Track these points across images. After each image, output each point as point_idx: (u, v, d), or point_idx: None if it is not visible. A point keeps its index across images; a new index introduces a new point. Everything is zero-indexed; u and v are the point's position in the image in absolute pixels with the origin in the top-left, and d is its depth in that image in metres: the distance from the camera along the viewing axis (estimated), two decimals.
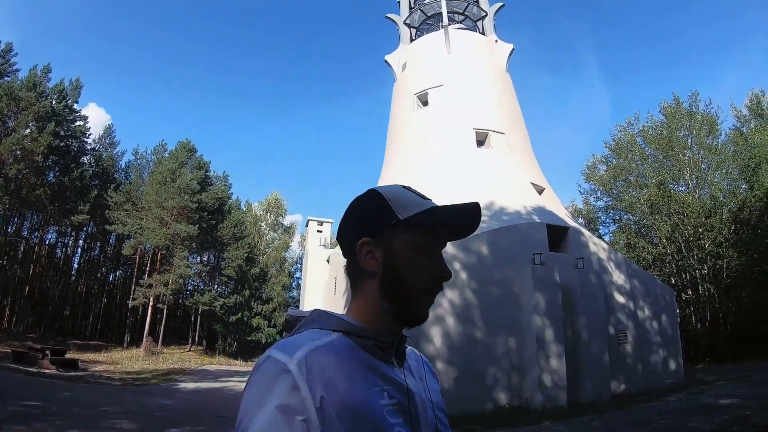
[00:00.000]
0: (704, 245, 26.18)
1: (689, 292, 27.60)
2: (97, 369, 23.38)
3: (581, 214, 36.73)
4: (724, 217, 25.15)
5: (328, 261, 24.53)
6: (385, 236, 1.06)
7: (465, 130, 18.91)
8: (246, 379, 0.97)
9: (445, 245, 1.12)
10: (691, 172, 28.36)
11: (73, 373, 19.96)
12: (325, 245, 22.71)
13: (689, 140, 29.15)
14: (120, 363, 27.50)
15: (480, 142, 18.86)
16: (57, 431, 9.41)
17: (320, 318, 1.06)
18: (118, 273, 47.25)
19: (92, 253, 46.35)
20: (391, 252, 1.06)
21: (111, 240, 42.41)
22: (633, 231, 30.89)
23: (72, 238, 44.05)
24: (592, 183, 34.00)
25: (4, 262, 35.46)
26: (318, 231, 23.82)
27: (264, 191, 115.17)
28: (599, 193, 34.02)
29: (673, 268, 28.06)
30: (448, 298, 13.68)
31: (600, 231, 34.68)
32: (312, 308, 1.12)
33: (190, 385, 20.84)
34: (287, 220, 52.21)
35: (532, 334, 13.48)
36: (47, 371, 19.17)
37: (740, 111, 32.91)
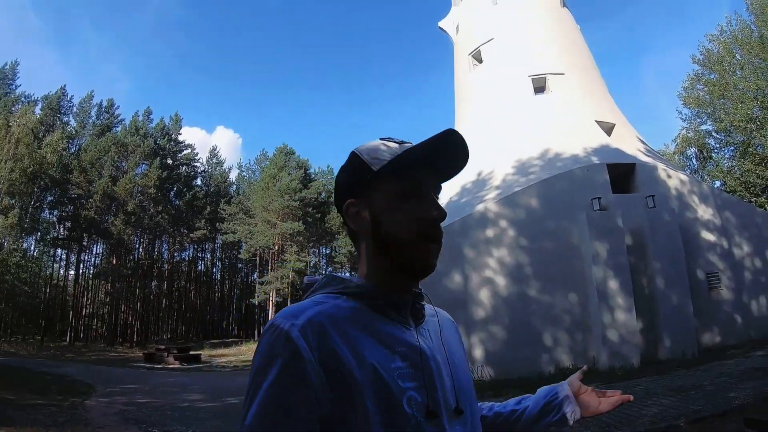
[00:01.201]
0: None
1: None
2: (220, 361, 26.10)
3: (692, 142, 33.16)
4: None
5: None
6: (365, 193, 1.04)
7: (521, 79, 17.83)
8: None
9: (436, 186, 1.07)
10: None
11: (194, 366, 22.77)
12: None
13: None
14: (245, 354, 30.33)
15: (539, 89, 17.72)
16: (131, 398, 11.73)
17: (331, 282, 1.03)
18: (242, 275, 52.45)
19: (222, 262, 52.40)
20: (374, 206, 1.02)
21: (241, 247, 46.67)
22: (738, 153, 27.43)
23: (198, 251, 50.52)
24: (689, 107, 30.28)
25: (145, 281, 41.59)
26: None
27: None
28: (704, 117, 30.24)
29: None
30: (495, 257, 12.99)
31: (714, 157, 31.11)
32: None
33: None
34: None
35: (593, 287, 12.39)
36: (170, 366, 22.07)
37: None
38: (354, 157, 1.06)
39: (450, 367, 1.02)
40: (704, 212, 14.83)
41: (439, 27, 23.54)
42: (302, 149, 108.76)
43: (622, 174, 14.66)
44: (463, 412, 0.99)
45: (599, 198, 13.18)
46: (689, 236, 14.09)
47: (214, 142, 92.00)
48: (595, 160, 14.59)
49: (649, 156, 16.22)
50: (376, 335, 0.93)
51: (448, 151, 1.02)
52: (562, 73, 17.78)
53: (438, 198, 1.05)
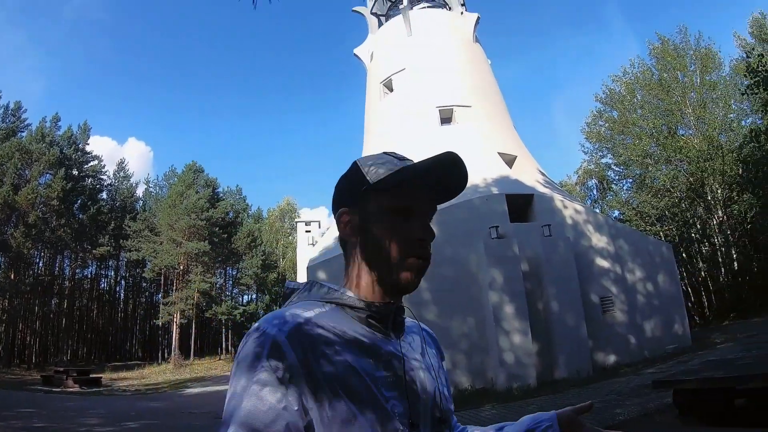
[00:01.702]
0: (710, 191, 24.48)
1: (706, 244, 25.98)
2: (122, 384, 25.50)
3: (593, 174, 34.97)
4: (726, 157, 23.23)
5: None
6: (359, 203, 1.02)
7: (428, 109, 18.33)
8: None
9: (431, 207, 1.06)
10: (690, 114, 26.45)
11: (94, 389, 21.78)
12: (312, 244, 22.45)
13: (685, 80, 27.26)
14: (148, 378, 29.76)
15: (445, 120, 18.24)
16: (28, 422, 11.27)
17: (315, 289, 1.02)
18: (147, 295, 50.73)
19: (126, 281, 50.36)
20: (365, 218, 1.01)
21: (146, 266, 45.14)
22: (635, 186, 29.28)
23: (102, 268, 47.91)
24: (590, 141, 32.19)
25: (45, 299, 38.88)
26: (306, 231, 23.67)
27: (290, 194, 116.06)
28: (604, 151, 32.18)
29: (679, 221, 26.46)
30: None
31: (614, 189, 32.91)
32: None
33: (196, 390, 22.72)
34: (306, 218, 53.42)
35: (489, 311, 12.78)
36: (70, 389, 21.02)
37: (744, 39, 30.45)
38: (354, 166, 1.06)
39: (434, 377, 1.03)
40: (599, 240, 15.57)
41: (355, 54, 23.84)
42: (213, 167, 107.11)
43: (521, 204, 15.23)
44: (444, 422, 1.00)
45: (497, 227, 13.62)
46: (584, 263, 14.77)
47: (125, 154, 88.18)
48: (494, 190, 15.12)
49: (547, 187, 16.93)
50: (360, 344, 0.92)
51: (446, 173, 1.02)
52: (469, 106, 18.39)
53: (431, 219, 1.05)
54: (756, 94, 9.56)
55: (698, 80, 27.24)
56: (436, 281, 13.17)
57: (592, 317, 14.21)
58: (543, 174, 18.53)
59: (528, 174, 17.35)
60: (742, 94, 17.87)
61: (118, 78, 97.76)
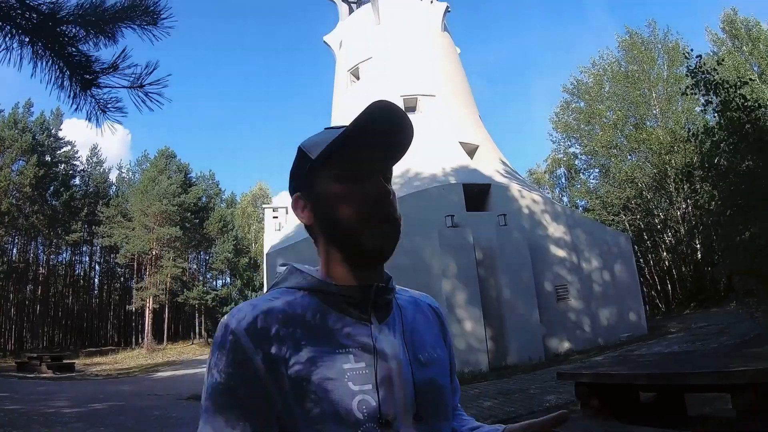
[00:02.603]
0: (672, 183, 24.92)
1: (669, 234, 26.47)
2: (95, 369, 25.63)
3: (561, 163, 35.42)
4: (688, 149, 23.71)
5: None
6: (308, 184, 0.98)
7: (393, 98, 17.97)
8: None
9: (383, 166, 0.96)
10: (656, 107, 26.87)
11: (67, 375, 21.99)
12: (279, 230, 22.54)
13: (652, 73, 27.64)
14: (121, 362, 29.86)
15: (410, 108, 18.27)
16: None
17: (291, 276, 0.97)
18: (122, 281, 50.23)
19: (101, 266, 49.88)
20: (317, 197, 0.96)
21: (119, 251, 45.18)
22: (601, 176, 29.78)
23: (76, 254, 47.51)
24: (558, 131, 32.56)
25: (20, 286, 39.25)
26: (274, 217, 23.62)
27: (264, 178, 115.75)
28: (572, 140, 32.56)
29: (643, 211, 26.94)
30: None
31: (582, 178, 33.39)
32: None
33: (166, 374, 22.94)
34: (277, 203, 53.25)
35: (443, 299, 12.99)
36: (43, 375, 21.13)
37: (716, 34, 31.09)
38: (298, 150, 1.01)
39: (417, 369, 0.94)
40: (556, 230, 15.87)
41: (324, 41, 23.84)
42: (190, 150, 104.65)
43: (479, 193, 15.45)
44: (422, 419, 0.90)
45: (452, 216, 13.85)
46: (540, 252, 15.07)
47: (102, 137, 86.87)
48: (452, 179, 15.32)
49: (507, 177, 17.17)
50: (330, 333, 0.88)
51: (384, 125, 0.93)
52: (433, 95, 18.52)
53: (389, 177, 0.98)
54: (694, 94, 9.75)
55: (666, 73, 27.62)
56: (390, 270, 13.35)
57: (546, 305, 14.55)
58: (505, 163, 18.76)
59: (489, 163, 17.56)
60: (683, 94, 18.16)
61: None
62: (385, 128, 0.93)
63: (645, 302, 28.69)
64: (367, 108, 0.89)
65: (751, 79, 23.12)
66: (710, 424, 4.31)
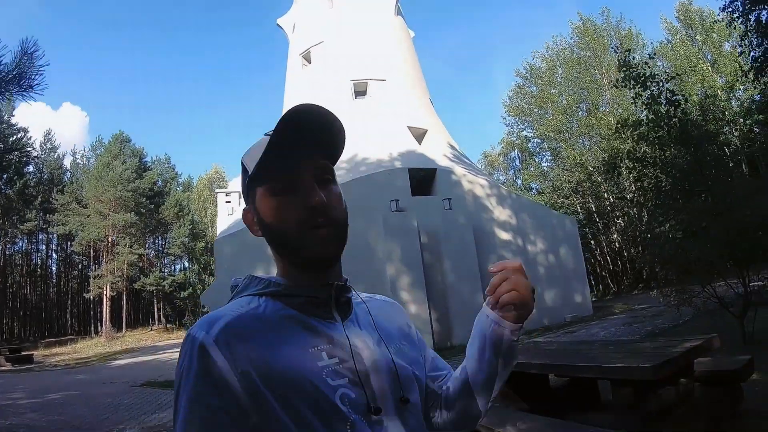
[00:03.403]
0: (623, 167, 25.56)
1: (618, 216, 27.17)
2: (54, 360, 25.22)
3: (515, 146, 35.96)
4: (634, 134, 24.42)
5: None
6: (251, 197, 0.98)
7: (343, 83, 18.45)
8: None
9: (316, 169, 0.94)
10: (607, 93, 27.43)
11: (25, 366, 21.86)
12: (231, 214, 22.51)
13: (604, 60, 28.08)
14: (80, 352, 29.42)
15: (359, 93, 18.43)
16: None
17: (252, 284, 0.98)
18: (79, 269, 49.29)
19: (58, 255, 49.12)
20: (258, 210, 0.96)
21: (76, 239, 44.05)
22: (552, 159, 30.40)
23: (32, 243, 46.60)
24: (510, 115, 33.02)
25: None
26: (226, 202, 23.59)
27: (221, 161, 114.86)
28: (525, 124, 33.13)
29: (593, 194, 27.57)
30: None
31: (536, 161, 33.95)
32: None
33: (123, 362, 22.71)
34: (233, 188, 53.27)
35: (387, 283, 13.19)
36: (2, 368, 20.90)
37: (670, 23, 31.61)
38: (241, 163, 1.01)
39: (389, 354, 0.97)
40: (501, 213, 16.22)
41: (277, 24, 23.66)
42: (146, 135, 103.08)
43: (425, 178, 15.66)
44: (408, 400, 0.94)
45: (397, 200, 14.03)
46: (484, 235, 15.38)
47: (59, 120, 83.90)
48: (398, 164, 15.49)
49: (455, 161, 17.40)
50: (298, 335, 0.89)
51: (304, 130, 0.92)
52: (383, 79, 18.59)
53: (329, 179, 0.96)
54: (625, 87, 10.04)
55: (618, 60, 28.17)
56: None
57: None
58: (453, 148, 18.97)
59: (437, 148, 17.75)
60: (612, 87, 18.60)
61: (50, 39, 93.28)
62: (307, 132, 0.92)
63: (596, 283, 29.51)
64: (284, 115, 0.89)
65: (691, 69, 23.82)
66: (616, 411, 4.47)
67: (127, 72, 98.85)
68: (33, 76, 2.57)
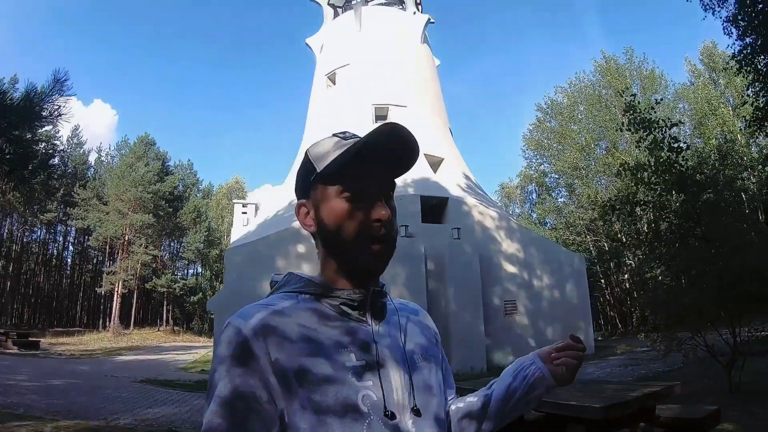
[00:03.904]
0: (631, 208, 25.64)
1: (629, 257, 27.10)
2: (59, 349, 25.69)
3: (532, 179, 36.06)
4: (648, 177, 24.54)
5: None
6: (312, 194, 1.01)
7: (365, 106, 18.81)
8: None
9: (384, 184, 0.99)
10: (627, 132, 27.58)
11: (31, 352, 22.23)
12: (246, 225, 22.87)
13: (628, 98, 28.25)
14: (86, 344, 29.93)
15: (380, 117, 18.73)
16: None
17: (291, 281, 1.02)
18: (94, 263, 50.12)
19: (75, 247, 50.02)
20: (318, 208, 0.99)
21: (93, 234, 44.91)
22: (568, 195, 30.50)
23: (50, 233, 47.41)
24: (529, 149, 33.33)
25: None
26: (243, 213, 23.98)
27: (245, 173, 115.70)
28: (544, 158, 33.20)
29: (606, 234, 27.56)
30: (304, 272, 13.71)
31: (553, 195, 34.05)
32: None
33: (128, 358, 23.21)
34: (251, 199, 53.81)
35: None
36: (8, 351, 21.22)
37: (694, 65, 31.64)
38: (305, 156, 1.03)
39: (414, 365, 1.00)
40: (509, 246, 16.41)
41: (306, 43, 24.17)
42: (172, 138, 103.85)
43: (437, 206, 15.94)
44: (421, 414, 0.96)
45: (407, 226, 14.26)
46: (491, 266, 15.60)
47: (89, 116, 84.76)
48: (411, 190, 15.78)
49: (467, 191, 17.64)
50: (330, 334, 0.92)
51: (390, 146, 0.96)
52: (405, 106, 18.96)
53: (391, 194, 1.01)
54: (630, 131, 10.22)
55: (640, 100, 28.35)
56: None
57: (493, 318, 15.13)
58: (468, 178, 19.23)
59: (451, 177, 18.02)
60: (618, 130, 18.72)
61: (86, 37, 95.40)
62: (390, 151, 0.96)
63: (605, 322, 29.37)
64: (375, 130, 0.92)
65: (712, 112, 23.80)
66: None
67: (159, 76, 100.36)
68: (63, 105, 2.87)
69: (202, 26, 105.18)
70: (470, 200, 16.66)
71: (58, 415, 8.00)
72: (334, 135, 1.01)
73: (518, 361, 1.16)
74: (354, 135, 1.00)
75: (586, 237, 28.33)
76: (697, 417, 4.42)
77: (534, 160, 34.03)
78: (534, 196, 37.98)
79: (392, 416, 0.89)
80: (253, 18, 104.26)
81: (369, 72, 19.75)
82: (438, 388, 1.05)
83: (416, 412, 0.95)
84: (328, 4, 24.30)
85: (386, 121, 1.03)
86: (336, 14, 23.89)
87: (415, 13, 22.69)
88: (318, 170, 0.97)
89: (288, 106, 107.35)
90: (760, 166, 26.14)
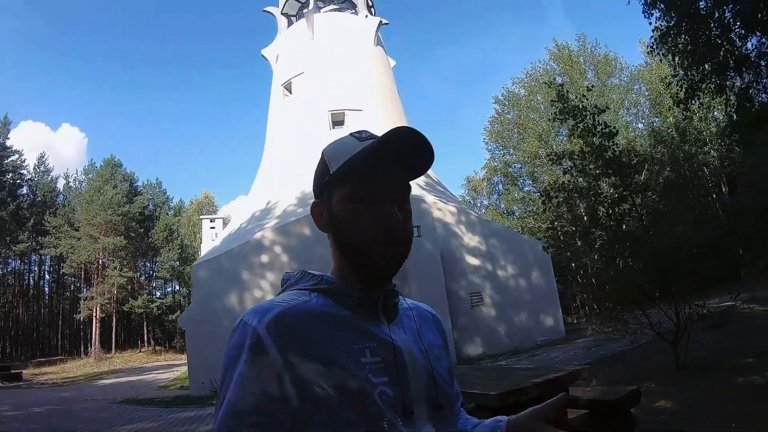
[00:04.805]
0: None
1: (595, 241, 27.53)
2: (42, 379, 25.88)
3: (497, 170, 36.44)
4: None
5: None
6: (326, 194, 1.01)
7: (321, 113, 18.98)
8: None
9: (397, 187, 0.99)
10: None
11: (14, 384, 22.51)
12: (214, 240, 22.97)
13: (582, 84, 28.60)
14: (68, 371, 30.06)
15: (337, 123, 18.93)
16: None
17: (304, 278, 1.02)
18: (71, 290, 49.76)
19: (51, 275, 49.50)
20: (331, 210, 0.99)
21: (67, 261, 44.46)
22: (532, 183, 30.86)
23: (24, 264, 47.02)
24: (490, 141, 33.90)
25: None
26: (211, 228, 24.15)
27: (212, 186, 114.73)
28: (508, 148, 33.60)
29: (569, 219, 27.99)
30: (269, 280, 14.08)
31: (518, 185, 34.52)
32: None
33: (109, 381, 23.44)
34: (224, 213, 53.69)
35: None
36: None
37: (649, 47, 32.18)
38: (321, 156, 1.03)
39: (429, 361, 1.01)
40: (471, 239, 16.72)
41: (262, 55, 24.17)
42: (140, 157, 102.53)
43: None
44: (442, 407, 0.98)
45: (418, 226, 14.56)
46: (454, 261, 15.91)
47: (58, 140, 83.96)
48: None
49: (426, 188, 17.89)
50: (345, 331, 0.92)
51: (404, 149, 0.97)
52: (360, 109, 19.18)
53: (405, 197, 1.01)
54: (563, 120, 10.33)
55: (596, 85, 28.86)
56: None
57: (461, 311, 15.43)
58: (427, 176, 19.47)
59: None
60: (551, 120, 19.00)
61: (53, 60, 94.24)
62: (405, 154, 0.97)
63: (582, 305, 29.70)
64: (390, 132, 0.94)
65: (668, 91, 24.22)
66: None
67: (124, 96, 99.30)
68: None
69: (164, 42, 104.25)
70: (429, 198, 16.91)
71: None
72: (351, 135, 1.02)
73: (495, 420, 1.14)
74: (372, 135, 1.01)
75: (554, 223, 28.71)
76: (614, 398, 4.59)
77: (497, 152, 34.67)
78: (500, 186, 38.42)
79: (410, 413, 0.90)
80: (215, 32, 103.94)
81: (323, 79, 19.94)
82: (450, 384, 1.07)
83: (435, 407, 0.97)
84: (282, 13, 24.45)
85: (400, 126, 0.98)
86: (290, 23, 24.04)
87: (367, 16, 22.90)
88: (331, 171, 0.98)
89: (256, 115, 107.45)
90: (719, 140, 26.68)
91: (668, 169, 25.95)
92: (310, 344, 0.87)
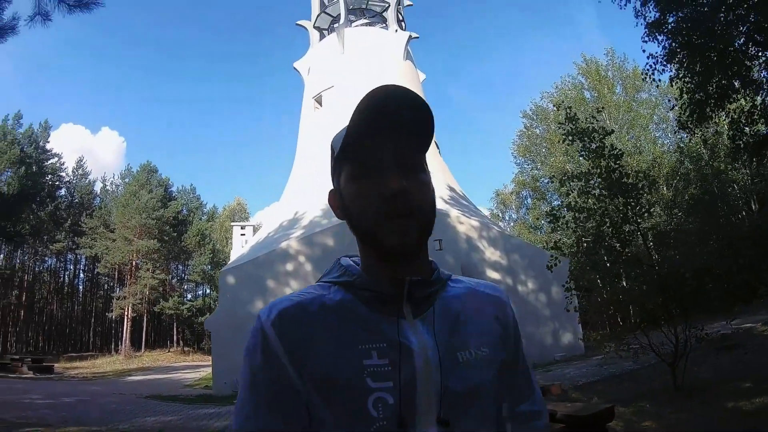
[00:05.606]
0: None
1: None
2: (73, 372, 26.56)
3: (526, 185, 36.41)
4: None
5: None
6: (335, 181, 0.97)
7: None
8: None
9: (400, 154, 0.88)
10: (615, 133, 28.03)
11: (46, 375, 22.85)
12: (243, 246, 23.50)
13: (612, 99, 28.64)
14: (99, 367, 30.97)
15: None
16: None
17: (332, 270, 0.98)
18: (105, 289, 51.24)
19: (86, 274, 51.38)
20: (341, 193, 0.94)
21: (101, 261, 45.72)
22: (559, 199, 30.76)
23: (60, 262, 48.88)
24: (518, 156, 34.01)
25: (6, 291, 40.47)
26: (241, 234, 24.68)
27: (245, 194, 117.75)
28: (536, 163, 33.67)
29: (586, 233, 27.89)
30: (293, 289, 14.31)
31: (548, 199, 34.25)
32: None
33: (137, 378, 24.06)
34: (256, 220, 54.27)
35: None
36: (24, 375, 21.85)
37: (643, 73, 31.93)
38: (331, 144, 0.98)
39: (451, 364, 0.87)
40: (492, 254, 16.95)
41: (294, 67, 24.84)
42: (178, 163, 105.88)
43: None
44: (447, 424, 0.84)
45: (440, 240, 14.94)
46: (474, 275, 15.90)
47: (97, 144, 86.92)
48: None
49: (450, 203, 18.19)
50: (352, 329, 0.86)
51: (390, 109, 0.86)
52: None
53: (413, 165, 0.90)
54: (572, 142, 10.31)
55: (623, 100, 28.80)
56: None
57: None
58: (453, 189, 19.82)
59: (436, 190, 18.50)
60: (561, 141, 18.94)
61: (95, 65, 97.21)
62: (394, 115, 0.86)
63: (603, 323, 29.42)
64: (366, 95, 0.86)
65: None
66: None
67: (165, 104, 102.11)
68: None
69: (204, 58, 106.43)
70: (453, 212, 17.19)
71: (67, 423, 8.84)
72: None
73: None
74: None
75: (579, 239, 28.67)
76: (587, 414, 4.91)
77: (525, 166, 34.70)
78: (529, 201, 38.37)
79: (405, 424, 0.81)
80: (250, 41, 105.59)
81: (353, 92, 20.20)
82: (489, 395, 0.91)
83: (442, 422, 0.84)
84: (314, 27, 25.04)
85: (381, 85, 0.89)
86: (321, 37, 24.58)
87: (397, 30, 23.34)
88: (335, 154, 0.93)
89: (290, 125, 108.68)
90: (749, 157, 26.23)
91: (693, 186, 25.69)
92: (309, 340, 0.84)
